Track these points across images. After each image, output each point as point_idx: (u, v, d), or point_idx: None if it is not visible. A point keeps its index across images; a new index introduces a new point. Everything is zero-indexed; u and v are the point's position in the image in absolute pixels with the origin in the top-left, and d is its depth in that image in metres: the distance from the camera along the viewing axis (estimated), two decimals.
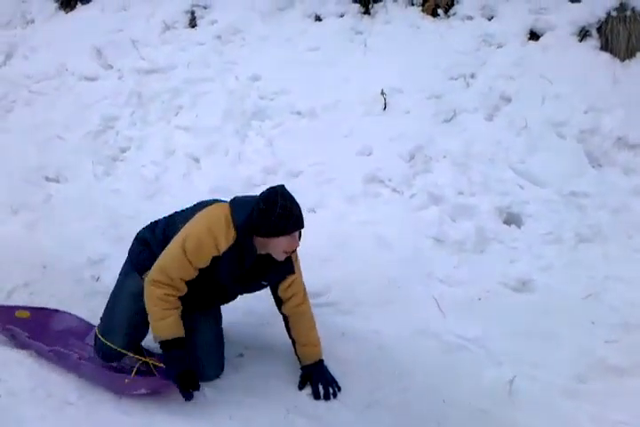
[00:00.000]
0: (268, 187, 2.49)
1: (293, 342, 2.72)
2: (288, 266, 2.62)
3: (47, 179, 4.20)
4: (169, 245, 2.48)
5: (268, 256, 2.51)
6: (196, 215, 2.51)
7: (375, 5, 4.66)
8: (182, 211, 2.66)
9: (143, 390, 2.47)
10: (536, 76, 3.88)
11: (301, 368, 2.71)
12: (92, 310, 2.93)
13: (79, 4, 5.52)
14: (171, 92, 4.52)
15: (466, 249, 3.29)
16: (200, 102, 4.42)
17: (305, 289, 2.74)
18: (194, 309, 2.60)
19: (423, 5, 4.55)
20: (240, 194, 2.76)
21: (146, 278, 2.47)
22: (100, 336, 2.61)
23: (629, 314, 2.89)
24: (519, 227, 3.36)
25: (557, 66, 3.88)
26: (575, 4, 4.14)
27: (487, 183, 3.53)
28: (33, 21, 5.49)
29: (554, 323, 2.89)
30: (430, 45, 4.33)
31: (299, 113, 4.27)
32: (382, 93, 4.10)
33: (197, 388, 2.43)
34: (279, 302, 2.70)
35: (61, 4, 5.54)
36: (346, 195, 3.74)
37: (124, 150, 4.29)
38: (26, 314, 2.80)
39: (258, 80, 4.48)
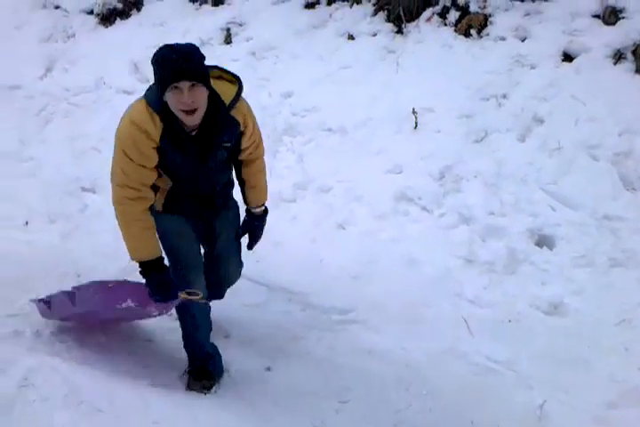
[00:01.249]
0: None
1: (242, 185, 2.69)
2: (229, 117, 2.36)
3: (83, 189, 4.30)
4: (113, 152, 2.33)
5: (208, 123, 2.31)
6: (121, 120, 2.32)
7: (408, 25, 4.70)
8: None
9: (130, 302, 2.49)
10: (569, 97, 3.87)
11: (247, 215, 2.74)
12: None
13: (118, 20, 5.67)
14: None
15: (496, 270, 3.28)
16: None
17: (262, 146, 2.64)
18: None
19: (456, 26, 4.58)
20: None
21: (112, 200, 2.38)
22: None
23: None
24: (551, 249, 3.34)
25: (591, 88, 3.86)
26: (610, 27, 4.12)
27: (518, 204, 3.52)
28: (74, 35, 5.62)
29: (586, 348, 2.86)
30: (462, 65, 4.35)
31: (330, 130, 4.32)
32: (413, 112, 4.12)
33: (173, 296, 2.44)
34: (238, 168, 2.64)
35: (101, 19, 5.68)
36: (375, 212, 3.76)
37: None
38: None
39: (290, 97, 4.55)
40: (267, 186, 2.76)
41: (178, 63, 2.13)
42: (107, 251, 3.44)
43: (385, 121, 4.20)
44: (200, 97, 2.22)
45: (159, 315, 2.65)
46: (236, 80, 2.43)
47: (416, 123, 4.12)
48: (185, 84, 2.16)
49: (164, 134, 2.27)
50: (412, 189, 3.79)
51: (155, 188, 2.44)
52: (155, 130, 2.25)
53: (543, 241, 3.40)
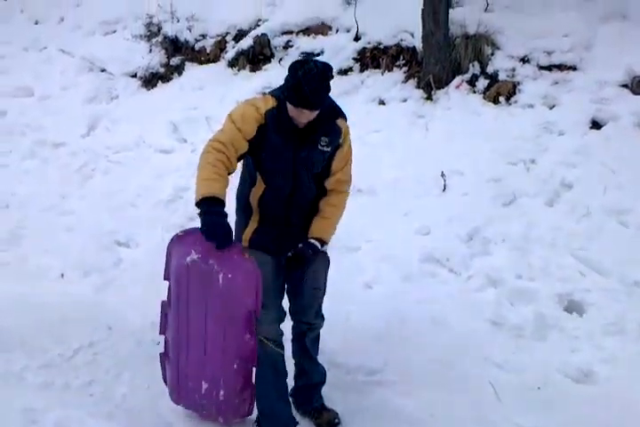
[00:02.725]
0: None
1: (314, 214, 2.72)
2: (334, 123, 2.63)
3: (118, 243, 4.41)
4: None
5: (314, 124, 2.54)
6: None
7: (438, 92, 4.86)
8: None
9: (193, 254, 2.46)
10: (598, 164, 3.92)
11: (305, 241, 2.68)
12: (150, 374, 2.98)
13: (160, 83, 5.97)
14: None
15: (524, 335, 3.24)
16: None
17: (350, 181, 2.82)
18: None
19: (485, 93, 4.72)
20: None
21: (201, 152, 2.52)
22: None
23: None
24: (581, 315, 3.30)
25: (619, 156, 3.91)
26: (638, 97, 4.23)
27: (547, 269, 3.51)
28: (117, 97, 5.92)
29: (616, 417, 2.77)
30: (490, 130, 4.46)
31: (359, 190, 4.39)
32: (442, 175, 4.20)
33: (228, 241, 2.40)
34: (321, 196, 2.73)
35: (144, 82, 5.98)
36: (403, 273, 3.77)
37: (191, 219, 4.47)
38: None
39: None
40: (337, 225, 2.80)
41: (312, 95, 2.42)
42: (137, 304, 3.51)
43: (413, 183, 4.29)
44: (313, 116, 2.53)
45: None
46: None
47: (444, 185, 4.19)
48: (308, 111, 2.48)
49: (272, 113, 2.51)
50: (439, 251, 3.81)
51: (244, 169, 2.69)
52: (264, 106, 2.52)
53: (573, 307, 3.36)
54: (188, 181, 4.73)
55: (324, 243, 2.74)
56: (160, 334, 2.77)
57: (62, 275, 4.08)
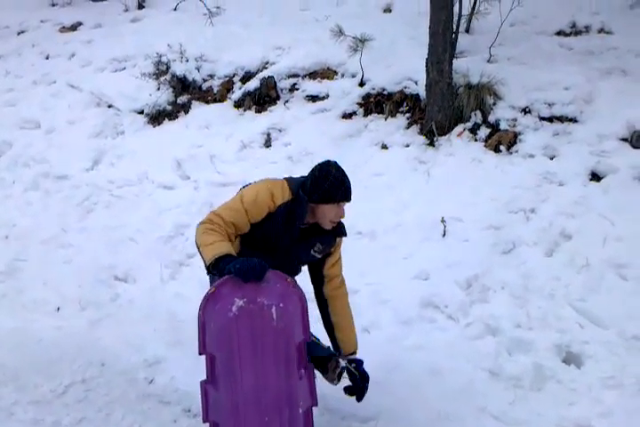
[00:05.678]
0: None
1: (331, 328, 2.81)
2: (332, 238, 2.77)
3: (116, 278, 4.39)
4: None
5: (316, 228, 2.67)
6: (254, 182, 2.71)
7: (440, 138, 4.93)
8: None
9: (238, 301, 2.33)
10: (597, 216, 3.95)
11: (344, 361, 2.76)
12: (141, 413, 2.94)
13: (166, 120, 6.03)
14: None
15: (522, 385, 3.20)
16: None
17: (344, 280, 2.90)
18: None
19: (486, 141, 4.80)
20: None
21: (199, 223, 2.51)
22: None
23: None
24: (579, 367, 3.27)
25: (619, 208, 3.95)
26: (637, 151, 4.29)
27: (546, 319, 3.50)
28: (123, 133, 5.98)
29: None
30: (491, 179, 4.50)
31: (359, 233, 4.42)
32: (442, 221, 4.23)
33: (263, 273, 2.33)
34: (320, 282, 2.81)
35: (151, 118, 6.06)
36: (400, 318, 3.76)
37: (190, 256, 4.48)
38: None
39: None
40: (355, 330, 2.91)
41: (349, 188, 2.65)
42: (133, 341, 3.48)
43: (414, 228, 4.31)
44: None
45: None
46: None
47: (444, 231, 4.21)
48: (346, 204, 2.67)
49: (285, 207, 2.58)
50: (438, 297, 3.81)
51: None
52: (280, 199, 2.58)
53: (571, 358, 3.34)
54: (189, 218, 4.76)
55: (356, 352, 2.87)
56: (204, 421, 2.45)
57: (58, 309, 4.05)
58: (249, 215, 2.54)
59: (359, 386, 2.76)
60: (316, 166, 2.69)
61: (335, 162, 2.70)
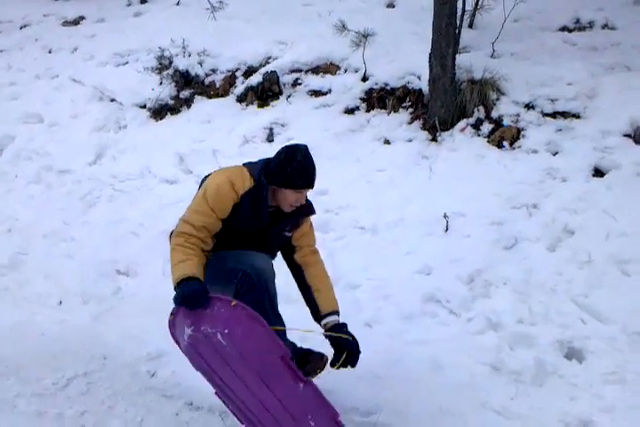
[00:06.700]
0: None
1: (308, 290, 2.73)
2: (301, 216, 2.75)
3: (118, 272, 4.39)
4: (192, 200, 2.61)
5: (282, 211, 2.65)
6: (213, 172, 2.68)
7: (443, 134, 4.92)
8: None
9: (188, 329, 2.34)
10: (600, 211, 3.95)
11: (326, 332, 2.69)
12: (144, 406, 2.94)
13: (169, 115, 6.02)
14: None
15: (524, 380, 3.20)
16: None
17: (318, 250, 2.86)
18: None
19: (489, 137, 4.79)
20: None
21: (172, 234, 2.57)
22: None
23: None
24: (580, 362, 3.27)
25: (622, 204, 3.94)
26: None
27: (548, 314, 3.50)
28: (125, 127, 5.97)
29: None
30: (494, 174, 4.50)
31: (362, 228, 4.42)
32: (445, 216, 4.22)
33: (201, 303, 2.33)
34: (290, 252, 2.78)
35: (153, 113, 6.04)
36: (402, 312, 3.76)
37: None
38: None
39: (325, 194, 4.69)
40: (334, 292, 2.83)
41: (312, 176, 2.60)
42: (135, 335, 3.48)
43: (416, 223, 4.30)
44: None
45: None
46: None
47: (447, 226, 4.21)
48: (307, 191, 2.64)
49: (248, 194, 2.56)
50: (440, 292, 3.81)
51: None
52: (242, 188, 2.55)
53: (573, 354, 3.34)
54: None
55: (338, 314, 2.78)
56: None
57: (60, 302, 4.06)
58: (217, 213, 2.55)
59: (348, 350, 2.64)
60: (283, 148, 2.64)
61: (305, 146, 2.64)
